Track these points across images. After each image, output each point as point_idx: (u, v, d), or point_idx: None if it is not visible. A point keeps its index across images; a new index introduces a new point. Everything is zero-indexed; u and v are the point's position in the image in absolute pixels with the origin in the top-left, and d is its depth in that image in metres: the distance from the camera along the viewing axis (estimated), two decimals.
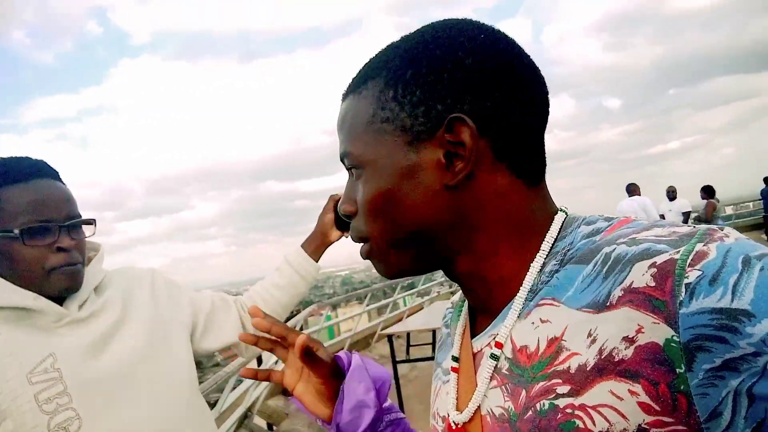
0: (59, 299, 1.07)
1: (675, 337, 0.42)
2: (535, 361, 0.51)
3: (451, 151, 0.53)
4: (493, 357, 0.55)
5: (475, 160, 0.53)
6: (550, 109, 0.58)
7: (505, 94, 0.53)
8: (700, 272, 0.42)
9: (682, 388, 0.42)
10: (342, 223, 1.46)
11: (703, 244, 0.44)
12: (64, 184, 1.11)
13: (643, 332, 0.44)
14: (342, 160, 0.60)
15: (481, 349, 0.58)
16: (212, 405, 3.72)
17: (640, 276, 0.45)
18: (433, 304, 8.21)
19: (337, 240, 1.47)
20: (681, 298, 0.42)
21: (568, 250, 0.53)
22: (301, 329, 5.85)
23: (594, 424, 0.45)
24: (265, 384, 4.78)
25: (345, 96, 0.60)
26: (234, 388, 4.09)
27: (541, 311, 0.52)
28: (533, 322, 0.52)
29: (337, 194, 1.47)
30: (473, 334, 0.61)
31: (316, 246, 1.47)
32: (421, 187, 0.54)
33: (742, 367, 0.41)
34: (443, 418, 0.62)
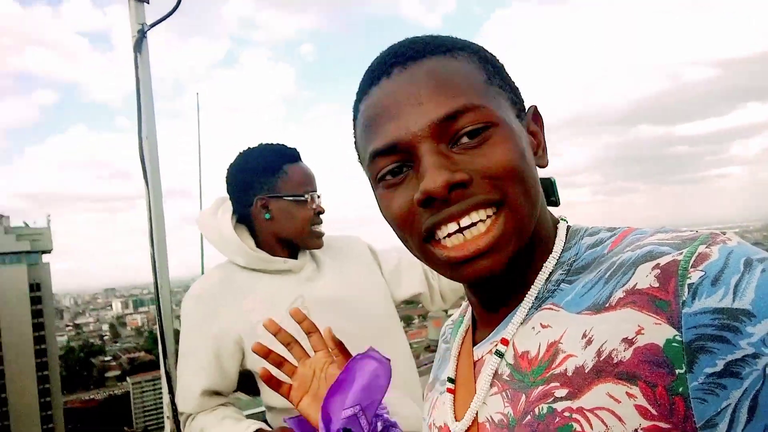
0: (295, 256, 1.47)
1: (677, 337, 0.42)
2: (534, 365, 0.51)
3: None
4: (498, 354, 0.54)
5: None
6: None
7: None
8: (703, 273, 0.43)
9: (680, 390, 0.42)
10: None
11: (705, 246, 0.45)
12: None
13: (643, 333, 0.44)
14: (450, 118, 0.50)
15: (482, 357, 0.58)
16: None
17: (644, 277, 0.45)
18: None
19: None
20: (684, 298, 0.43)
21: (574, 261, 0.54)
22: None
23: (591, 428, 0.45)
24: None
25: (419, 56, 0.53)
26: None
27: (542, 316, 0.52)
28: (533, 327, 0.53)
29: None
30: (474, 344, 0.61)
31: None
32: (532, 162, 0.54)
33: (744, 371, 0.41)
34: (440, 428, 0.62)
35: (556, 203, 1.55)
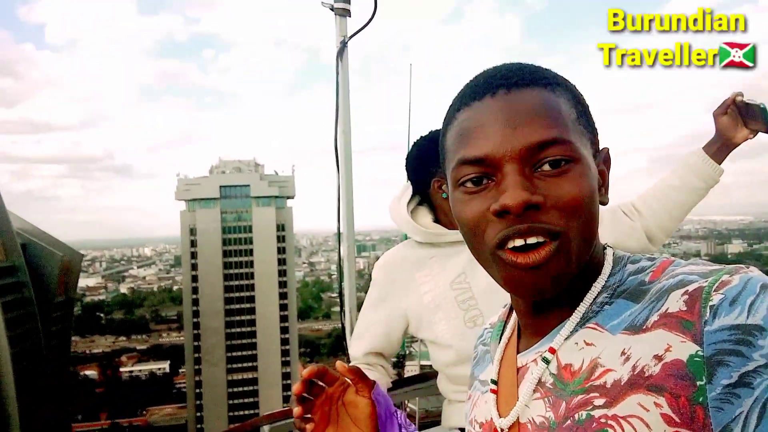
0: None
1: (699, 352, 0.48)
2: (576, 377, 0.57)
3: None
4: (545, 360, 0.60)
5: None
6: None
7: None
8: (723, 296, 0.49)
9: (700, 400, 0.48)
10: (750, 119, 1.37)
11: (729, 275, 0.51)
12: None
13: (670, 350, 0.50)
14: (540, 147, 0.55)
15: (526, 364, 0.63)
16: None
17: (675, 302, 0.52)
18: None
19: (744, 140, 1.42)
20: (706, 318, 0.49)
21: (618, 286, 0.59)
22: None
23: None
24: None
25: (523, 84, 0.58)
26: None
27: (585, 334, 0.58)
28: (577, 343, 0.58)
29: (739, 93, 1.39)
30: (518, 352, 0.66)
31: (718, 147, 1.46)
32: (597, 200, 0.59)
33: (755, 381, 0.46)
34: (481, 424, 0.69)
35: None
